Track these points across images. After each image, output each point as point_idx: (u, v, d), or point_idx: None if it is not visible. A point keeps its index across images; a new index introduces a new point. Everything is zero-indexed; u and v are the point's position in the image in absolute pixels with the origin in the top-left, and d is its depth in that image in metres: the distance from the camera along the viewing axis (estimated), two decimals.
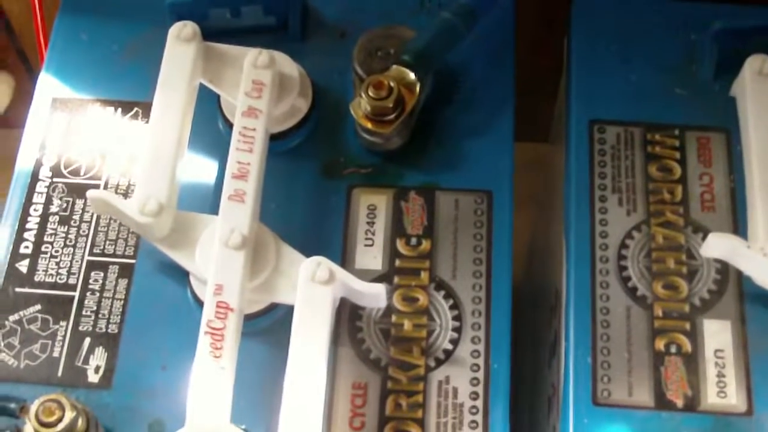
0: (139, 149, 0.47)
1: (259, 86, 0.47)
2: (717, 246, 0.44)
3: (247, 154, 0.45)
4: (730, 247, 0.44)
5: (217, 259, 0.43)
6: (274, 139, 0.48)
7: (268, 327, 0.45)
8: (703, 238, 0.46)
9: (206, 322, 0.41)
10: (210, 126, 0.50)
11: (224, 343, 0.41)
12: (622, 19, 0.53)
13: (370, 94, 0.47)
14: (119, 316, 0.46)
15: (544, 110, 0.61)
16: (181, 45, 0.47)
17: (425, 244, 0.47)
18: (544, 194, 0.63)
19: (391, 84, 0.47)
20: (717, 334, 0.45)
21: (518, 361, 0.48)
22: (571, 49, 0.52)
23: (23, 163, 0.49)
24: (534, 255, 0.68)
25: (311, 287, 0.42)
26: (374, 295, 0.43)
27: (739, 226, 0.47)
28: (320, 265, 0.42)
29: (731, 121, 0.49)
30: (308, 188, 0.49)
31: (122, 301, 0.46)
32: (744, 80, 0.48)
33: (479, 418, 0.44)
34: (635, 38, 0.52)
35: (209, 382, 0.40)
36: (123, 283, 0.46)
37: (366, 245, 0.47)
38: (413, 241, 0.47)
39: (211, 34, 0.49)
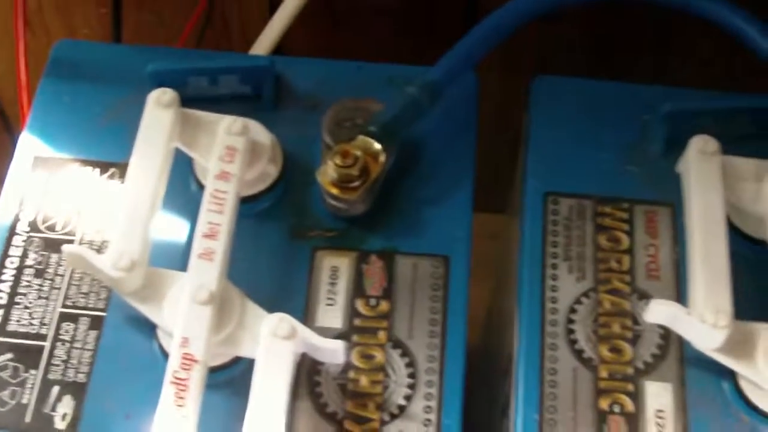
0: (114, 208, 0.50)
1: (231, 151, 0.49)
2: (659, 312, 0.46)
3: (218, 215, 0.47)
4: (671, 313, 0.46)
5: (184, 313, 0.45)
6: (244, 202, 0.51)
7: (231, 379, 0.47)
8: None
9: (171, 373, 0.43)
10: (183, 187, 0.52)
11: (188, 393, 0.43)
12: (579, 99, 0.56)
13: (337, 161, 0.49)
14: (88, 366, 0.47)
15: (504, 181, 0.64)
16: (159, 110, 0.50)
17: (384, 305, 0.49)
18: (501, 263, 0.65)
19: (357, 153, 0.50)
20: (658, 396, 0.48)
21: (474, 423, 0.50)
22: (529, 125, 0.55)
23: (2, 218, 0.51)
24: (491, 322, 0.70)
25: (273, 342, 0.44)
26: (332, 351, 0.45)
27: (681, 294, 0.49)
28: (282, 320, 0.45)
29: (677, 196, 0.51)
30: (275, 249, 0.51)
31: (91, 352, 0.48)
32: (688, 158, 0.50)
33: None
34: (591, 117, 0.55)
35: (172, 431, 0.42)
36: (93, 334, 0.48)
37: (328, 304, 0.49)
38: (372, 301, 0.50)
39: (188, 99, 0.52)
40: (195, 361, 0.44)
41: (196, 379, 0.43)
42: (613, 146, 0.54)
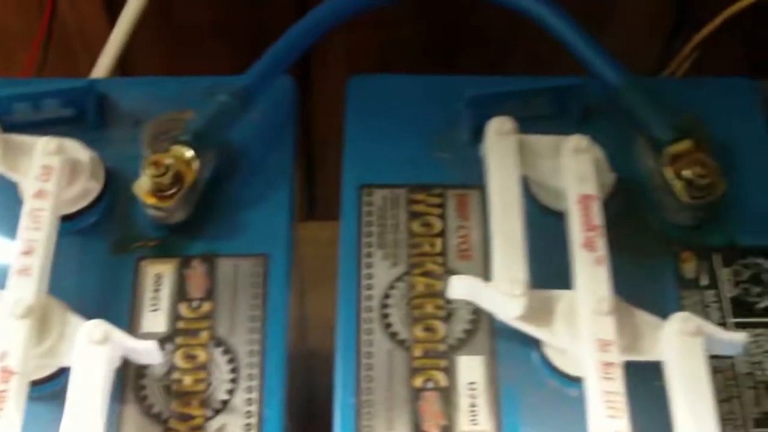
0: None
1: (48, 170, 0.51)
2: (458, 287, 0.49)
3: (35, 232, 0.49)
4: (470, 287, 0.49)
5: (2, 327, 0.47)
6: (69, 219, 0.53)
7: (59, 390, 0.49)
8: None
9: None
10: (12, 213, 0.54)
11: (6, 404, 0.45)
12: (392, 95, 0.59)
13: (150, 172, 0.52)
14: None
15: None
16: None
17: (206, 306, 0.52)
18: None
19: (168, 162, 0.52)
20: (470, 369, 0.50)
21: None
22: (345, 123, 0.58)
23: None
24: None
25: (87, 347, 0.46)
26: (147, 352, 0.47)
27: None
28: (96, 326, 0.47)
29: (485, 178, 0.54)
30: (100, 263, 0.53)
31: None
32: (487, 139, 0.53)
33: None
34: (403, 111, 0.58)
35: None
36: None
37: (152, 310, 0.51)
38: (195, 304, 0.52)
39: (15, 126, 0.54)
40: (12, 373, 0.45)
41: (14, 390, 0.45)
42: (424, 136, 0.57)
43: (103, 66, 0.67)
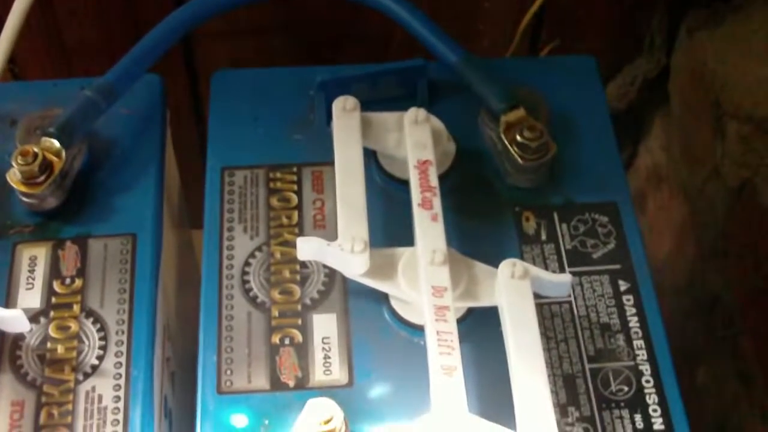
0: None
1: None
2: (306, 248, 0.53)
3: None
4: (315, 247, 0.53)
5: None
6: None
7: None
8: None
9: None
10: None
11: None
12: (253, 86, 0.63)
13: (19, 161, 0.56)
14: None
15: None
16: None
17: (78, 283, 0.55)
18: None
19: (35, 150, 0.56)
20: (324, 326, 0.54)
21: None
22: (209, 112, 0.62)
23: None
24: None
25: None
26: (14, 319, 0.51)
27: None
28: None
29: None
30: None
31: None
32: (333, 118, 0.58)
33: (120, 416, 0.51)
34: (263, 100, 0.63)
35: None
36: None
37: (27, 288, 0.55)
38: (68, 281, 0.55)
39: None
40: None
41: None
42: (282, 121, 0.61)
43: None
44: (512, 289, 0.52)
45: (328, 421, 0.47)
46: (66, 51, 0.79)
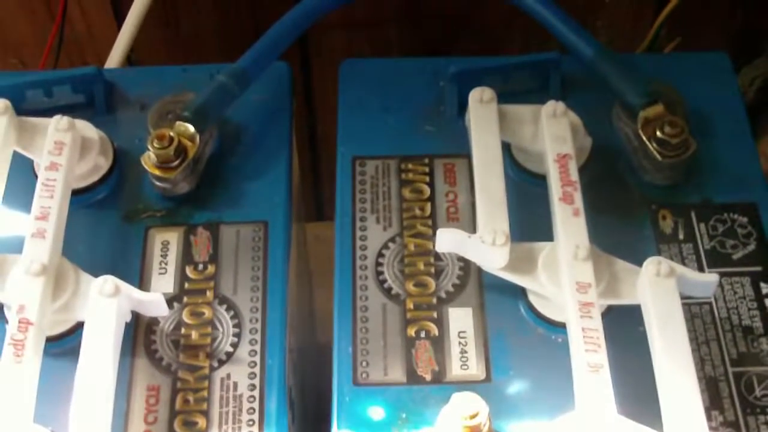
0: None
1: (60, 145, 0.55)
2: (446, 239, 0.52)
3: (48, 200, 0.53)
4: (455, 239, 0.52)
5: (19, 284, 0.50)
6: (82, 192, 0.56)
7: (76, 346, 0.52)
8: None
9: (10, 336, 0.48)
10: (26, 189, 0.58)
11: (25, 351, 0.48)
12: (381, 76, 0.63)
13: (155, 145, 0.55)
14: None
15: None
16: None
17: (210, 269, 0.55)
18: None
19: (172, 135, 0.55)
20: (460, 319, 0.53)
21: None
22: (339, 102, 0.62)
23: None
24: None
25: (99, 300, 0.50)
26: (154, 303, 0.50)
27: None
28: (106, 281, 0.50)
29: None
30: (112, 232, 0.56)
31: None
32: (469, 108, 0.57)
33: (256, 405, 0.51)
34: (392, 90, 0.62)
35: (12, 386, 0.47)
36: None
37: (160, 273, 0.55)
38: (200, 267, 0.55)
39: (29, 112, 0.58)
40: (30, 323, 0.49)
41: (32, 340, 0.48)
42: (413, 112, 0.61)
43: (112, 66, 0.71)
44: (658, 287, 0.50)
45: (474, 416, 0.46)
46: (181, 39, 0.78)
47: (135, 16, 0.69)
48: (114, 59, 0.70)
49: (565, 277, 0.51)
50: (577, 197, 0.53)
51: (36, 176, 0.57)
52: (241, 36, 0.78)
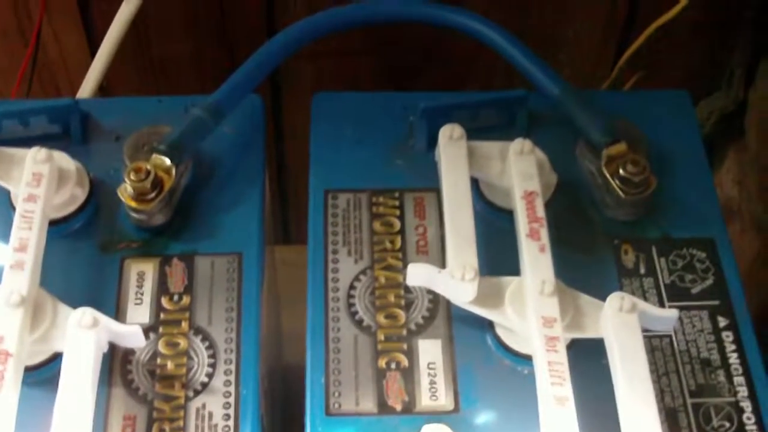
0: None
1: (38, 177, 0.56)
2: (416, 274, 0.54)
3: (27, 231, 0.54)
4: (425, 273, 0.54)
5: (0, 315, 0.51)
6: (58, 223, 0.57)
7: (53, 375, 0.53)
8: None
9: None
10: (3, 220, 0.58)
11: (4, 382, 0.49)
12: (352, 110, 0.64)
13: (132, 177, 0.56)
14: None
15: None
16: None
17: (186, 299, 0.56)
18: None
19: (148, 167, 0.56)
20: (429, 351, 0.55)
21: None
22: (311, 135, 0.63)
23: None
24: None
25: (77, 332, 0.51)
26: (131, 335, 0.51)
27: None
28: (85, 313, 0.51)
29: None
30: (88, 262, 0.57)
31: None
32: (439, 144, 0.58)
33: None
34: (363, 124, 0.63)
35: None
36: None
37: (136, 303, 0.56)
38: (176, 297, 0.56)
39: (5, 143, 0.58)
40: (9, 355, 0.50)
41: (11, 371, 0.49)
42: (383, 146, 0.62)
43: (85, 93, 0.72)
44: (620, 322, 0.52)
45: None
46: (154, 66, 0.80)
47: (109, 45, 0.70)
48: (87, 88, 0.71)
49: (531, 312, 0.52)
50: (543, 233, 0.55)
51: (12, 206, 0.59)
52: (212, 64, 0.80)
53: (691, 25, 0.76)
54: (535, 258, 0.54)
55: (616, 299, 0.53)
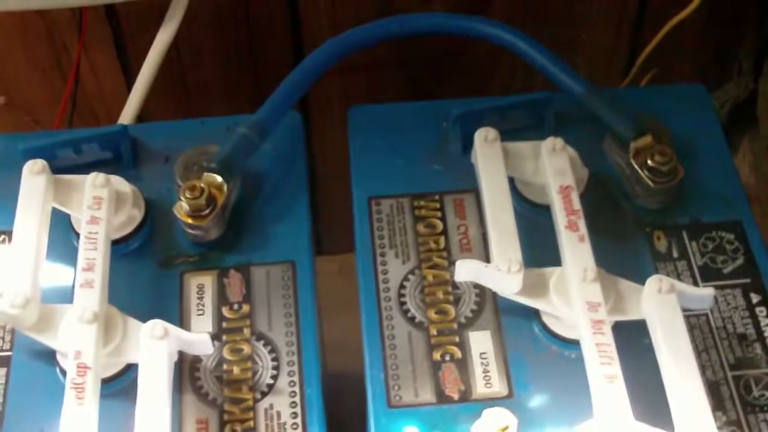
0: (3, 264, 0.58)
1: (98, 200, 0.59)
2: (464, 270, 0.57)
3: (93, 252, 0.57)
4: (473, 268, 0.57)
5: (75, 332, 0.54)
6: (118, 243, 0.60)
7: (126, 386, 0.56)
8: None
9: (70, 380, 0.52)
10: (66, 244, 0.61)
11: (85, 394, 0.52)
12: (388, 120, 0.67)
13: (187, 195, 0.59)
14: (2, 397, 0.56)
15: None
16: (33, 178, 0.59)
17: (245, 308, 0.59)
18: None
19: (202, 186, 0.60)
20: (480, 342, 0.58)
21: None
22: (350, 146, 0.66)
23: None
24: None
25: (150, 342, 0.54)
26: (201, 342, 0.54)
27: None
28: (155, 324, 0.54)
29: (476, 182, 0.62)
30: (149, 278, 0.60)
31: (3, 385, 0.56)
32: (475, 147, 0.62)
33: (299, 431, 0.55)
34: (399, 132, 0.67)
35: (78, 427, 0.51)
36: (2, 371, 0.57)
37: (198, 314, 0.59)
38: (236, 306, 0.59)
39: (59, 170, 0.61)
40: (87, 368, 0.52)
41: (90, 382, 0.52)
42: (419, 152, 0.65)
43: (125, 120, 0.75)
44: (661, 303, 0.55)
45: (504, 429, 0.51)
46: (187, 91, 0.83)
47: (147, 73, 0.73)
48: (127, 116, 0.74)
49: (576, 298, 0.55)
50: (581, 224, 0.58)
51: (72, 229, 0.62)
52: (242, 87, 0.83)
53: (700, 23, 0.79)
54: (576, 247, 0.57)
55: (655, 281, 0.56)
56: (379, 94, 0.85)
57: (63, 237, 0.62)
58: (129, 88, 0.77)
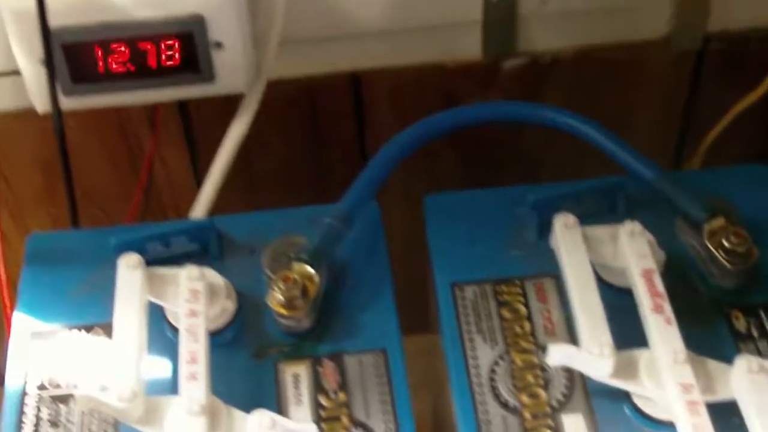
0: (105, 357, 0.60)
1: (195, 293, 0.61)
2: (557, 354, 0.58)
3: (195, 344, 0.58)
4: (566, 353, 0.58)
5: (183, 424, 0.55)
6: (213, 335, 0.62)
7: None
8: None
9: None
10: (161, 336, 0.63)
11: None
12: (463, 206, 0.69)
13: (281, 286, 0.61)
14: None
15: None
16: (130, 271, 0.61)
17: (342, 396, 0.60)
18: (437, 374, 0.76)
19: (296, 277, 0.61)
20: (573, 425, 0.59)
21: None
22: (428, 234, 0.68)
23: (12, 384, 0.61)
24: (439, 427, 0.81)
25: None
26: None
27: (575, 342, 0.61)
28: (263, 415, 0.55)
29: (556, 266, 0.64)
30: (244, 369, 0.62)
31: None
32: (555, 233, 0.64)
33: None
34: (475, 219, 0.68)
35: None
36: None
37: (296, 404, 0.60)
38: (332, 394, 0.61)
39: (149, 263, 0.63)
40: None
41: None
42: (497, 237, 0.67)
43: (197, 214, 0.77)
44: (753, 382, 0.57)
45: None
46: (253, 183, 0.85)
47: (220, 167, 0.75)
48: (199, 210, 0.76)
49: (668, 380, 0.57)
50: (667, 307, 0.60)
51: (166, 321, 0.63)
52: (305, 177, 0.85)
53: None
54: (664, 330, 0.59)
55: (744, 361, 0.57)
56: (438, 179, 0.87)
57: (157, 329, 0.63)
58: (197, 180, 0.79)
